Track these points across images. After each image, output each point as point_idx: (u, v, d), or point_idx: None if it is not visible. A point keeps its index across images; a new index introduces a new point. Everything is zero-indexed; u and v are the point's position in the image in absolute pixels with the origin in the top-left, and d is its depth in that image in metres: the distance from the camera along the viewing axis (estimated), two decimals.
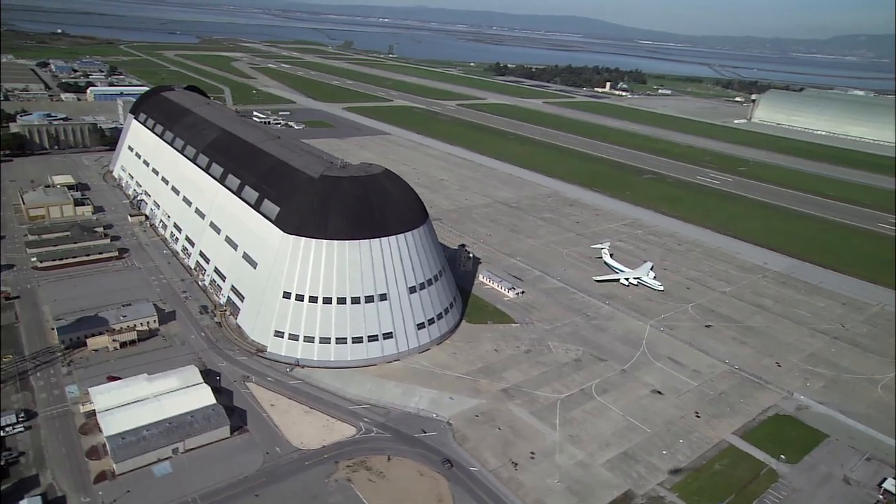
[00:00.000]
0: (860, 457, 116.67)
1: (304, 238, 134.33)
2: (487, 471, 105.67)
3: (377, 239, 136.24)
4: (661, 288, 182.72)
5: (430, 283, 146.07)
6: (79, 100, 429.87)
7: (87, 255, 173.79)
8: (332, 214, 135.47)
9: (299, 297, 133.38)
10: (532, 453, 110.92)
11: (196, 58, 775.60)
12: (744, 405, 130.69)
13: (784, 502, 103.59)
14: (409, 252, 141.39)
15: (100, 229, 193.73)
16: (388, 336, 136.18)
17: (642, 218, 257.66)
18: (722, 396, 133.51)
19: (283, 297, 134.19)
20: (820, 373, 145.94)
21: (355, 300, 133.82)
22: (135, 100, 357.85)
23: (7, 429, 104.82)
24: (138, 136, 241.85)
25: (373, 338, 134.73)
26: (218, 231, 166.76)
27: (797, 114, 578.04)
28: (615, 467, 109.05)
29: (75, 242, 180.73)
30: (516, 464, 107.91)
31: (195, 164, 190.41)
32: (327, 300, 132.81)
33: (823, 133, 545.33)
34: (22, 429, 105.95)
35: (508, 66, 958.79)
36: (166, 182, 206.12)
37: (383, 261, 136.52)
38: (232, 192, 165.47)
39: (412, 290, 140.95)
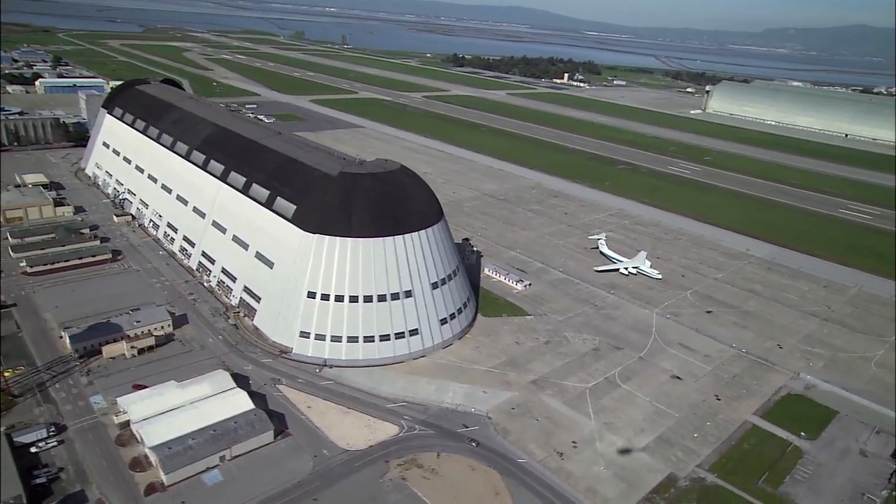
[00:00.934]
0: (870, 430, 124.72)
1: (327, 237, 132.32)
2: (536, 462, 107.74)
3: (400, 236, 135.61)
4: (660, 276, 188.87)
5: (449, 278, 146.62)
6: (27, 92, 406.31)
7: (80, 259, 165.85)
8: (355, 212, 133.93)
9: (325, 297, 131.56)
10: (574, 442, 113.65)
11: (144, 48, 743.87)
12: (757, 387, 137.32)
13: (812, 477, 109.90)
14: (430, 248, 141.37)
15: (86, 230, 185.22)
16: (413, 333, 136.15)
17: (626, 208, 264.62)
18: (736, 379, 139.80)
19: (308, 296, 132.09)
20: (818, 353, 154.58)
21: (381, 298, 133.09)
22: (93, 92, 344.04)
23: (40, 444, 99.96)
24: (114, 131, 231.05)
25: (399, 335, 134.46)
26: (223, 230, 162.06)
27: (748, 105, 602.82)
28: (654, 452, 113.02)
29: (63, 245, 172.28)
30: (561, 453, 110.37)
31: (189, 161, 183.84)
32: (353, 299, 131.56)
33: (773, 123, 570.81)
34: (55, 443, 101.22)
35: (466, 57, 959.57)
36: (154, 180, 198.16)
37: (407, 257, 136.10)
38: (237, 190, 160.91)
39: (434, 285, 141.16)
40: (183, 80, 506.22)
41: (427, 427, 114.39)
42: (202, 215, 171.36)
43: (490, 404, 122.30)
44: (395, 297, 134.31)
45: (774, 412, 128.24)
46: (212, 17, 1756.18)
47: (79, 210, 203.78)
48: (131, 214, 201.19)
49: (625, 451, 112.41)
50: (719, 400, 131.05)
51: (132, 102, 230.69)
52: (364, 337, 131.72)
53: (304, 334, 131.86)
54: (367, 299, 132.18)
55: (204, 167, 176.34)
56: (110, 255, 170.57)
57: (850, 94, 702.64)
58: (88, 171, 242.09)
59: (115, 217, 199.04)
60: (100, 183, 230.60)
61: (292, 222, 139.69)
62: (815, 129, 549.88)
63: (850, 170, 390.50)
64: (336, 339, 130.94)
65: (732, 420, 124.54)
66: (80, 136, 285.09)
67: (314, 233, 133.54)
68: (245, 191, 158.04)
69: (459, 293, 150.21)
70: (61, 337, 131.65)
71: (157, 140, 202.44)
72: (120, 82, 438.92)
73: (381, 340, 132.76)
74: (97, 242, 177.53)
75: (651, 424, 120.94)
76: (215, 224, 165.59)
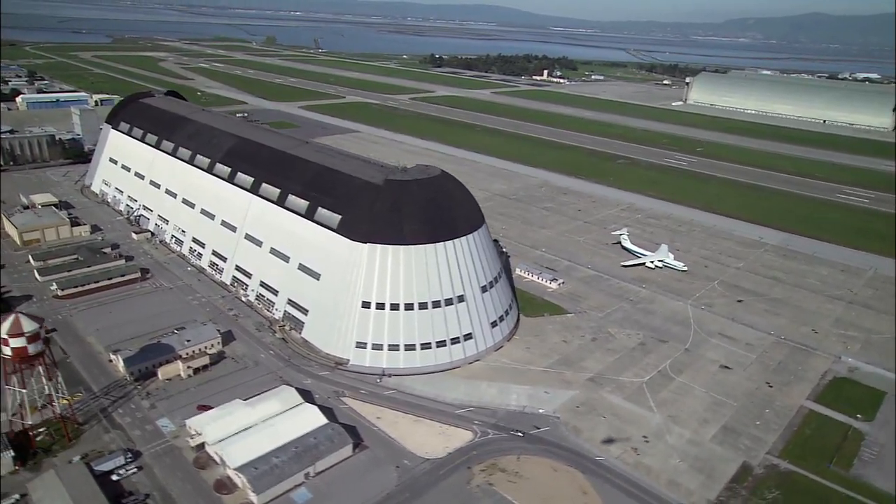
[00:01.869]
0: None
1: (379, 245, 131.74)
2: (613, 458, 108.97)
3: (451, 241, 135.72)
4: (686, 268, 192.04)
5: (496, 280, 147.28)
6: (10, 109, 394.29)
7: (110, 279, 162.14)
8: (405, 219, 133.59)
9: (380, 306, 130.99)
10: (645, 437, 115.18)
11: (117, 59, 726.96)
12: (804, 372, 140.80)
13: (878, 459, 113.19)
14: (477, 251, 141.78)
15: (108, 250, 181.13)
16: (468, 337, 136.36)
17: (635, 202, 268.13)
18: (781, 366, 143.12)
19: (363, 306, 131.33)
20: (852, 336, 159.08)
21: (436, 304, 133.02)
22: (85, 107, 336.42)
23: (120, 472, 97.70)
24: (122, 146, 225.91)
25: (455, 340, 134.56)
26: (258, 243, 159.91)
27: (728, 95, 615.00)
28: (723, 441, 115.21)
29: (88, 266, 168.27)
30: (635, 448, 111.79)
31: (212, 174, 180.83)
32: (409, 306, 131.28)
33: (753, 112, 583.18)
34: (134, 469, 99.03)
35: (443, 57, 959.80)
36: (172, 195, 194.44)
37: (458, 262, 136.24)
38: (271, 201, 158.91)
39: (484, 288, 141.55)
40: (164, 90, 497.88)
41: (499, 431, 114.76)
42: (233, 229, 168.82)
43: (555, 404, 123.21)
44: (448, 302, 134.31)
45: (826, 396, 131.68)
46: (178, 24, 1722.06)
47: (95, 229, 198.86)
48: (150, 231, 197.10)
49: (695, 443, 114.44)
50: (771, 387, 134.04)
51: (140, 116, 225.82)
52: (421, 344, 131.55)
53: (361, 345, 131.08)
54: (423, 306, 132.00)
55: (230, 180, 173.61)
56: (139, 274, 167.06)
57: (824, 82, 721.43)
58: (95, 189, 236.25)
59: (133, 235, 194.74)
60: (110, 200, 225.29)
61: (338, 232, 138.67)
62: (794, 116, 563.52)
63: (837, 155, 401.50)
64: (393, 347, 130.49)
65: (789, 406, 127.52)
66: (77, 153, 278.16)
67: (364, 242, 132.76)
68: (281, 202, 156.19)
69: (505, 295, 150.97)
70: (111, 360, 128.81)
71: (174, 154, 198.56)
72: (105, 96, 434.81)
73: (437, 346, 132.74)
74: (123, 262, 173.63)
75: (713, 415, 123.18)
76: (249, 237, 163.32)
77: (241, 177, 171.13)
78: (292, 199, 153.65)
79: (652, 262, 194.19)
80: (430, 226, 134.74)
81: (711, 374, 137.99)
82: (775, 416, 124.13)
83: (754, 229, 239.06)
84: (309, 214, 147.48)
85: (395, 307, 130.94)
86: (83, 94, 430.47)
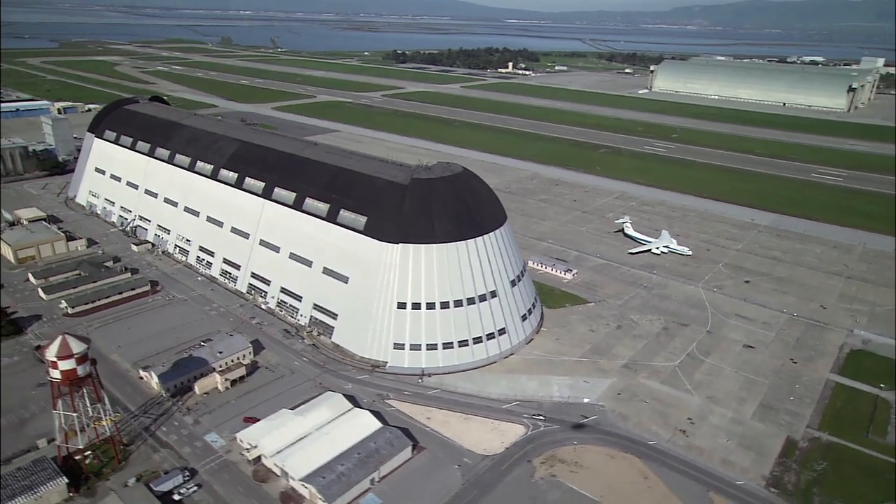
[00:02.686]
0: None
1: (411, 245, 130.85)
2: (664, 442, 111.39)
3: (480, 237, 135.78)
4: (690, 252, 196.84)
5: (522, 274, 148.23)
6: None
7: (120, 293, 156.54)
8: (436, 218, 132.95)
9: (416, 306, 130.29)
10: (689, 419, 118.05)
11: (68, 64, 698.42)
12: (822, 346, 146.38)
13: None
14: (504, 246, 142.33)
15: (110, 263, 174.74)
16: (502, 332, 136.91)
17: (627, 190, 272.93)
18: (800, 342, 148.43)
19: (398, 307, 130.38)
20: (858, 309, 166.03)
21: (471, 301, 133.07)
22: (57, 116, 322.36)
23: (181, 490, 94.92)
24: (109, 155, 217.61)
25: (490, 335, 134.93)
26: (275, 249, 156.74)
27: (691, 81, 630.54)
28: (764, 418, 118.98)
29: (94, 281, 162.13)
30: (684, 431, 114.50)
31: (217, 180, 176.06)
32: (445, 305, 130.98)
33: (716, 97, 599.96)
34: (195, 487, 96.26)
35: (406, 53, 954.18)
36: (173, 203, 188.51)
37: (489, 258, 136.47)
38: (286, 206, 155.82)
39: (513, 283, 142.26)
40: (129, 96, 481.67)
41: (550, 422, 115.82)
42: (245, 235, 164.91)
43: (596, 393, 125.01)
44: (482, 298, 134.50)
45: (848, 368, 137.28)
46: (125, 27, 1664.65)
47: (91, 243, 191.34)
48: (151, 242, 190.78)
49: (738, 422, 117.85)
50: (796, 363, 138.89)
51: (126, 123, 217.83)
52: (458, 342, 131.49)
53: (399, 346, 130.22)
54: (458, 304, 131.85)
55: (239, 185, 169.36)
56: (149, 287, 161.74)
57: (782, 66, 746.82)
58: (81, 200, 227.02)
59: (133, 246, 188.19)
60: (99, 212, 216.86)
61: (365, 234, 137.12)
62: (755, 100, 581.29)
63: (802, 136, 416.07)
64: (432, 347, 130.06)
65: (816, 380, 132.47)
66: (54, 165, 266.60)
67: (396, 242, 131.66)
68: (297, 206, 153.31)
69: (529, 288, 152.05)
70: (141, 378, 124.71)
71: (171, 161, 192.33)
72: (67, 104, 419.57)
73: (474, 343, 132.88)
74: (129, 275, 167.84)
75: (748, 393, 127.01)
76: (264, 243, 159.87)
77: (251, 182, 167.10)
78: (310, 203, 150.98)
79: (657, 248, 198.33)
80: (460, 223, 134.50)
81: (737, 353, 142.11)
82: (805, 390, 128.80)
83: (745, 212, 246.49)
84: (331, 217, 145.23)
85: (430, 306, 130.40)
86: (44, 102, 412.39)
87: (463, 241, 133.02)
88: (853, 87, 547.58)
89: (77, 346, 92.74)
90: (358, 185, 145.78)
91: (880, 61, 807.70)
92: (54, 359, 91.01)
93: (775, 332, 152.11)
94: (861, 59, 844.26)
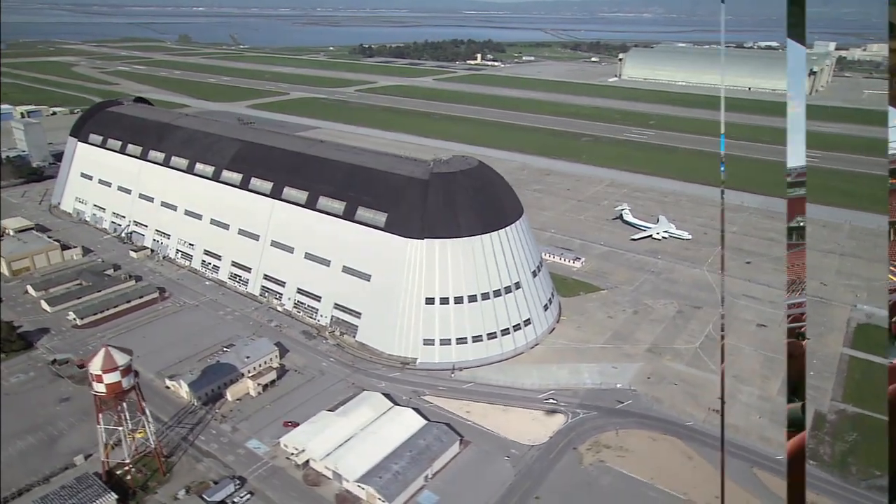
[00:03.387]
0: None
1: (437, 240, 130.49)
2: (701, 422, 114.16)
3: (503, 229, 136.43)
4: (690, 237, 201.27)
5: (541, 264, 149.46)
6: None
7: (128, 302, 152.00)
8: (459, 212, 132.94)
9: (444, 301, 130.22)
10: (719, 398, 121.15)
11: (21, 66, 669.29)
12: (831, 322, 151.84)
13: None
14: (524, 237, 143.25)
15: (111, 271, 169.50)
16: (527, 322, 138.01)
17: (616, 178, 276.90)
18: (809, 319, 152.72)
19: (426, 303, 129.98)
20: (856, 285, 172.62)
21: (496, 293, 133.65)
22: (31, 121, 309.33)
23: (234, 499, 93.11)
24: (96, 160, 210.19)
25: (516, 327, 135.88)
26: (289, 250, 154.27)
27: (659, 69, 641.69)
28: None
29: (98, 290, 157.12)
30: (717, 410, 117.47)
31: (220, 182, 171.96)
32: (472, 298, 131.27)
33: (684, 83, 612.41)
34: (247, 495, 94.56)
35: (372, 47, 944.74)
36: (172, 207, 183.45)
37: (511, 250, 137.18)
38: (298, 205, 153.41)
39: (534, 273, 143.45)
40: (92, 98, 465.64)
41: (587, 410, 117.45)
42: (254, 237, 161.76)
43: (626, 377, 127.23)
44: (507, 290, 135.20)
45: (858, 342, 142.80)
46: (75, 26, 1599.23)
47: (87, 251, 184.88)
48: (149, 248, 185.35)
49: (766, 399, 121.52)
50: (809, 339, 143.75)
51: (113, 126, 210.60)
52: (487, 334, 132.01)
53: (429, 341, 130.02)
54: (485, 296, 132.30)
55: (244, 187, 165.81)
56: (158, 294, 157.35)
57: (744, 51, 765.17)
58: (66, 207, 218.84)
59: (132, 253, 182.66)
60: (88, 218, 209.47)
61: (386, 230, 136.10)
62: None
63: (771, 119, 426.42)
64: (461, 341, 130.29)
65: (831, 355, 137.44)
66: (30, 171, 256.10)
67: (420, 238, 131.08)
68: (311, 205, 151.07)
69: (547, 278, 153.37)
70: (167, 387, 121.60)
71: (166, 164, 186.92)
72: (31, 107, 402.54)
73: (502, 335, 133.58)
74: (134, 282, 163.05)
75: (771, 371, 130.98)
76: (276, 244, 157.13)
77: (257, 182, 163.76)
78: (324, 201, 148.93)
79: (658, 233, 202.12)
80: (483, 216, 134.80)
81: (752, 333, 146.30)
82: (823, 365, 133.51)
83: (734, 195, 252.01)
84: (347, 215, 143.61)
85: (458, 300, 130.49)
86: (6, 106, 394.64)
87: (487, 234, 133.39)
88: (814, 70, 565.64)
89: (121, 358, 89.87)
90: (375, 182, 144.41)
91: (832, 45, 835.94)
92: (99, 372, 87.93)
93: (784, 311, 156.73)
94: (814, 44, 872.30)
